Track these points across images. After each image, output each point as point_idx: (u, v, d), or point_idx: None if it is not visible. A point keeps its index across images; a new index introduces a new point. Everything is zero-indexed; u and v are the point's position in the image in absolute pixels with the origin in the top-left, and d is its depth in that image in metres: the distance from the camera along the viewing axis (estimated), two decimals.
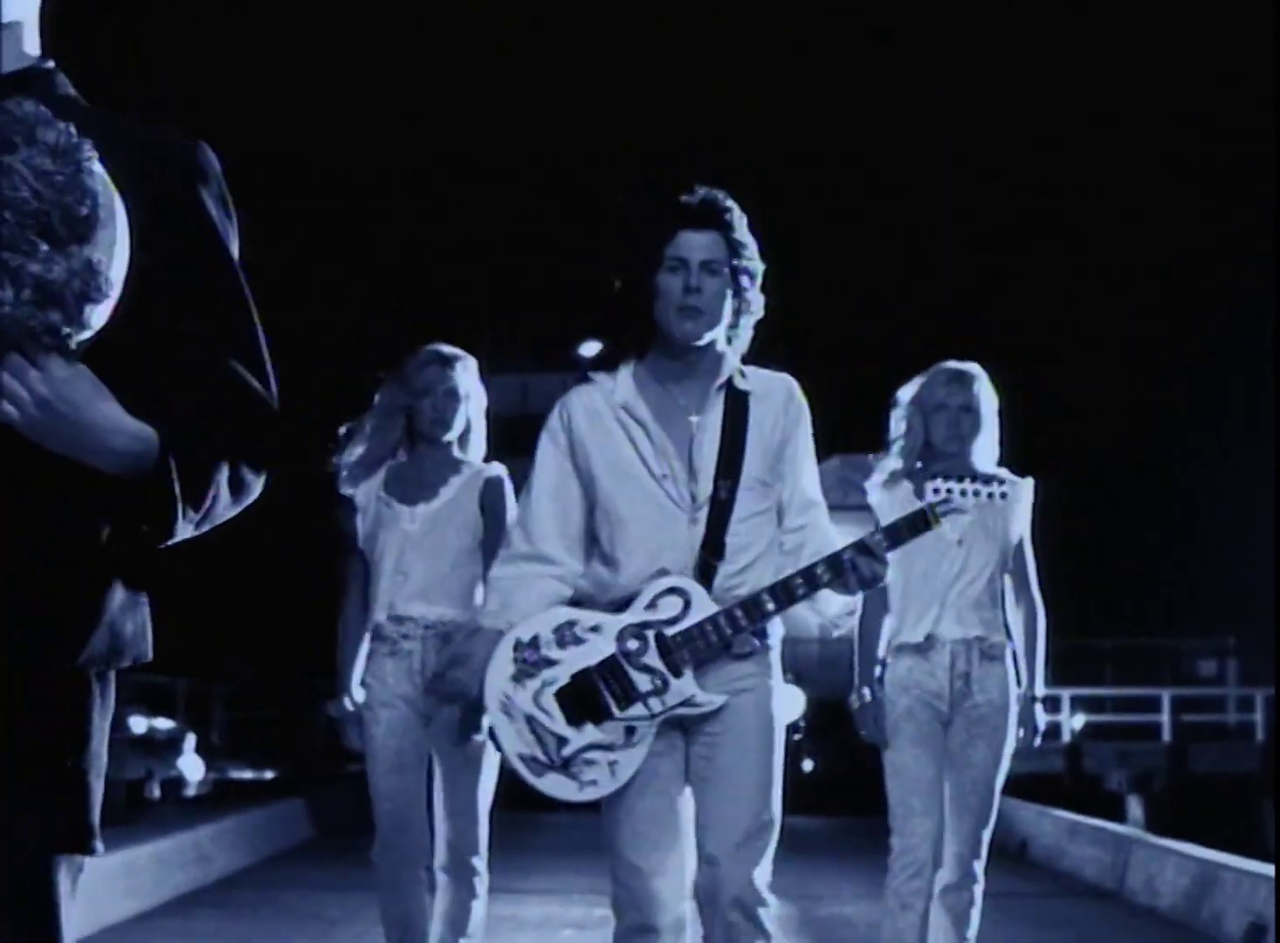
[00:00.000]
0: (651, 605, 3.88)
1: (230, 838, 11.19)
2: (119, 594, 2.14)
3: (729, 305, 3.98)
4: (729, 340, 4.03)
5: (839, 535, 4.04)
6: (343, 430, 5.52)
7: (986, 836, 5.26)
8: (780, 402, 4.03)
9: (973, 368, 5.50)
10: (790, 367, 4.22)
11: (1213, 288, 37.32)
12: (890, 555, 4.02)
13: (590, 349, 34.01)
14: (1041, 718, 5.31)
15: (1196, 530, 33.42)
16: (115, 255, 2.03)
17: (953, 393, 5.41)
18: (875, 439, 5.67)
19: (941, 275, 41.78)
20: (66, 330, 2.00)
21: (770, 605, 3.86)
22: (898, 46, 47.62)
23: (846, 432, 15.93)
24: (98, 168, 2.04)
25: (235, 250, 2.23)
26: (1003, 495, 4.30)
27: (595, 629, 3.89)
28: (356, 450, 5.48)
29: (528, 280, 41.36)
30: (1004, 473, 5.40)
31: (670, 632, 3.86)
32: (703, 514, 3.92)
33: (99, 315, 2.02)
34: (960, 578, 5.35)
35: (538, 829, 14.11)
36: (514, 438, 6.25)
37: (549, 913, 9.11)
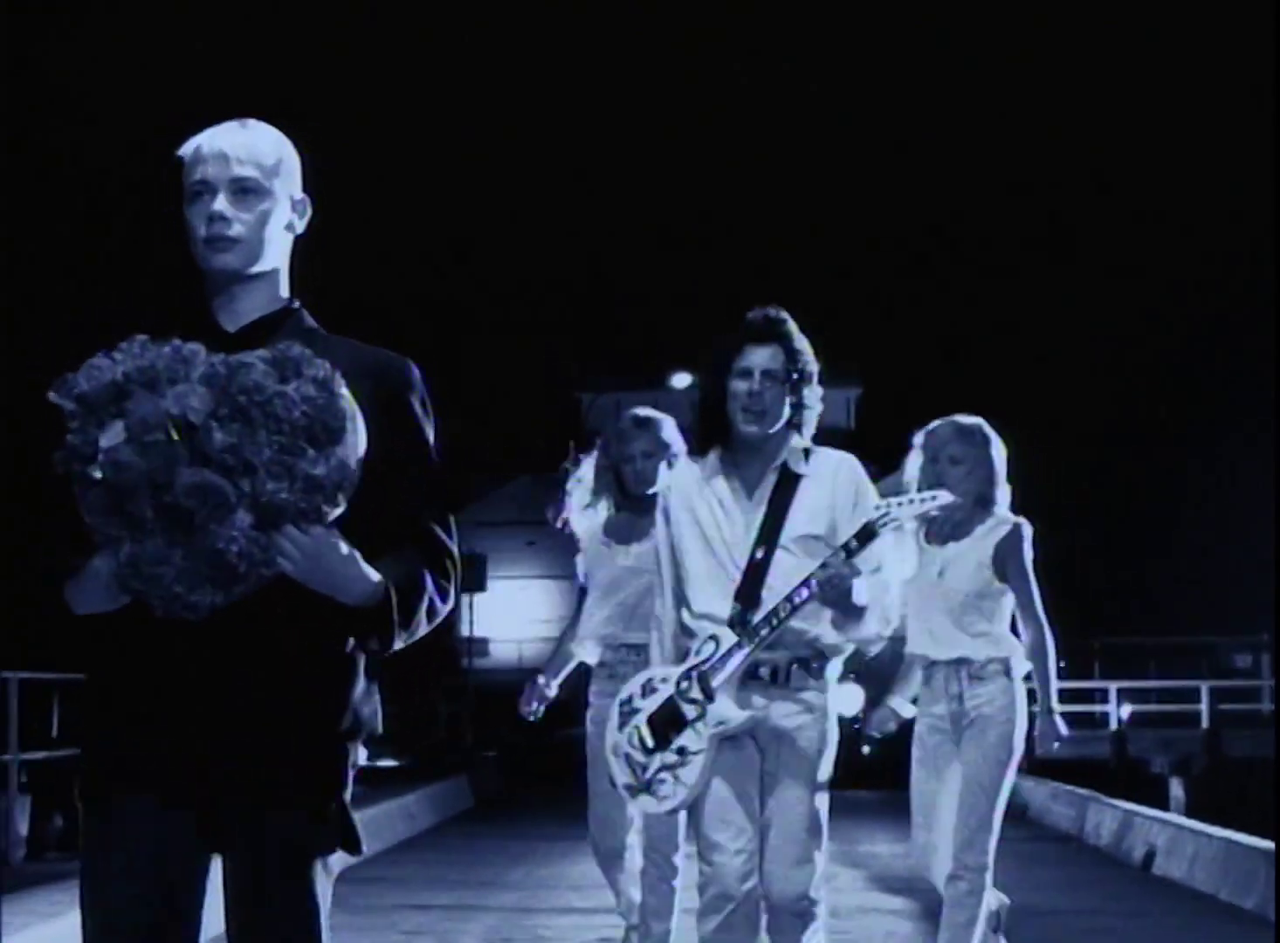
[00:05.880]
0: (697, 653, 4.57)
1: (425, 803, 14.92)
2: (358, 688, 2.82)
3: (788, 403, 4.58)
4: (798, 429, 4.63)
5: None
6: (569, 483, 6.10)
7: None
8: (830, 474, 4.61)
9: (978, 423, 5.83)
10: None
11: (1228, 284, 38.32)
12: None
13: (681, 381, 36.67)
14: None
15: (1233, 535, 35.22)
16: (357, 455, 2.67)
17: (961, 451, 5.75)
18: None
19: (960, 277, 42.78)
20: (325, 509, 2.64)
21: (764, 631, 4.47)
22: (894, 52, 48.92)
23: None
24: (345, 392, 2.65)
25: (432, 437, 2.88)
26: (934, 499, 4.58)
27: (664, 680, 4.61)
28: (574, 495, 6.07)
29: (624, 308, 43.98)
30: (1004, 513, 5.80)
31: (706, 668, 4.54)
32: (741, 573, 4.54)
33: (345, 497, 2.66)
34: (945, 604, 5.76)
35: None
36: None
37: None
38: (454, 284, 42.07)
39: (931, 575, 5.73)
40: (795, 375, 4.55)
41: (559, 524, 6.08)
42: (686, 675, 4.55)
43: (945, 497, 4.64)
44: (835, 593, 4.39)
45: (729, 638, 4.51)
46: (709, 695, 4.51)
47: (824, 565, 4.40)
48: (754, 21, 50.51)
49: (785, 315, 4.60)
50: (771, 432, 4.57)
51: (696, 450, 4.76)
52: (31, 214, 26.70)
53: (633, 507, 5.94)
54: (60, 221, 29.70)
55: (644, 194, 47.18)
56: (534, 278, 44.61)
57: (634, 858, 6.04)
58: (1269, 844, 9.17)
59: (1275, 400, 23.66)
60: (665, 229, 46.30)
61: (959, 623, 5.73)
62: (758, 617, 4.49)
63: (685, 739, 4.54)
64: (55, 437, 2.67)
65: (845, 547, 4.42)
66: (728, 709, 4.50)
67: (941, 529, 5.74)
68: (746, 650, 4.48)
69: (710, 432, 4.66)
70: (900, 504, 4.51)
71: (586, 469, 6.04)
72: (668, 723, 4.56)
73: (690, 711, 4.53)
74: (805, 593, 4.40)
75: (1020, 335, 41.55)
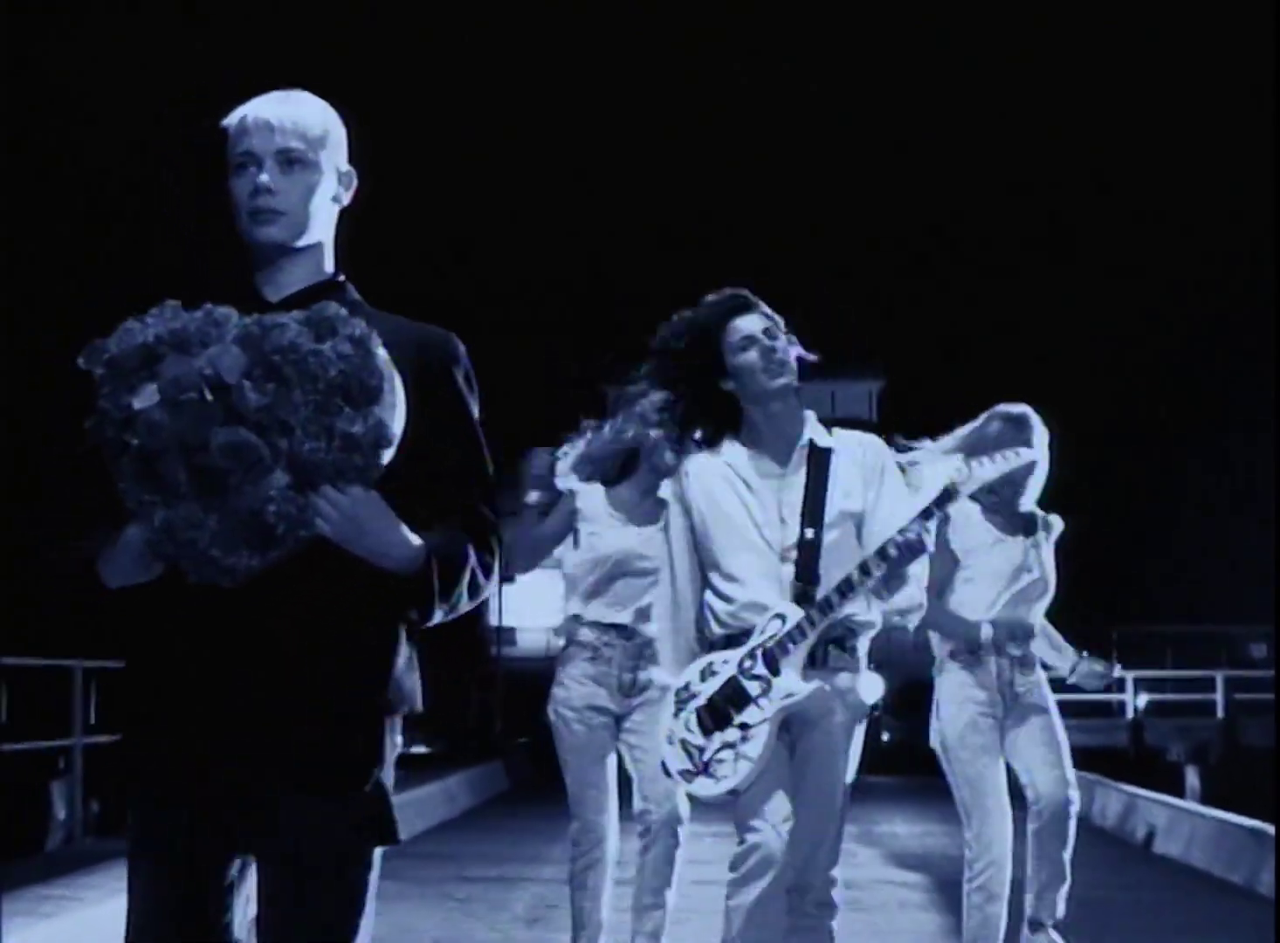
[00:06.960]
0: (762, 632, 4.46)
1: (463, 786, 15.68)
2: (400, 660, 2.74)
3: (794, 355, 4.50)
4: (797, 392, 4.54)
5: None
6: (582, 428, 5.86)
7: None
8: (859, 450, 4.56)
9: (1029, 413, 5.71)
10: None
11: (1228, 284, 38.01)
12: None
13: None
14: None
15: (1249, 526, 35.29)
16: (396, 416, 2.63)
17: (1013, 442, 5.44)
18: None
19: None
20: (363, 468, 2.59)
21: (836, 599, 4.37)
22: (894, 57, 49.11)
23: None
24: (382, 352, 2.62)
25: (476, 412, 2.84)
26: (1016, 456, 4.53)
27: (725, 662, 4.50)
28: (578, 449, 5.81)
29: (648, 304, 44.44)
30: (1038, 511, 5.78)
31: (772, 644, 4.44)
32: (792, 554, 4.46)
33: (385, 457, 2.61)
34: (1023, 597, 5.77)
35: None
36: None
37: (693, 829, 13.50)
38: (461, 279, 42.61)
39: (1014, 565, 5.70)
40: (780, 324, 4.53)
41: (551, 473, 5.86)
42: (750, 654, 4.46)
43: (1029, 454, 4.64)
44: (913, 558, 4.36)
45: (795, 614, 4.42)
46: (774, 670, 4.41)
47: (903, 531, 4.34)
48: (754, 21, 50.98)
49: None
50: (793, 383, 4.51)
51: (705, 444, 4.64)
52: (31, 214, 26.07)
53: (644, 484, 5.71)
54: (60, 221, 29.01)
55: (644, 194, 47.60)
56: (546, 275, 44.95)
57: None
58: (1257, 824, 9.84)
59: (1275, 400, 23.91)
60: (665, 229, 46.69)
61: (1039, 619, 5.76)
62: (822, 591, 4.41)
63: (747, 716, 4.43)
64: (87, 406, 2.60)
65: (924, 511, 4.38)
66: (794, 682, 4.42)
67: (1015, 519, 5.71)
68: (820, 627, 4.41)
69: (718, 423, 4.59)
70: (981, 463, 4.46)
71: (580, 443, 5.81)
72: (730, 702, 4.46)
73: (754, 687, 4.44)
74: (881, 560, 4.34)
75: (1020, 335, 42.07)
